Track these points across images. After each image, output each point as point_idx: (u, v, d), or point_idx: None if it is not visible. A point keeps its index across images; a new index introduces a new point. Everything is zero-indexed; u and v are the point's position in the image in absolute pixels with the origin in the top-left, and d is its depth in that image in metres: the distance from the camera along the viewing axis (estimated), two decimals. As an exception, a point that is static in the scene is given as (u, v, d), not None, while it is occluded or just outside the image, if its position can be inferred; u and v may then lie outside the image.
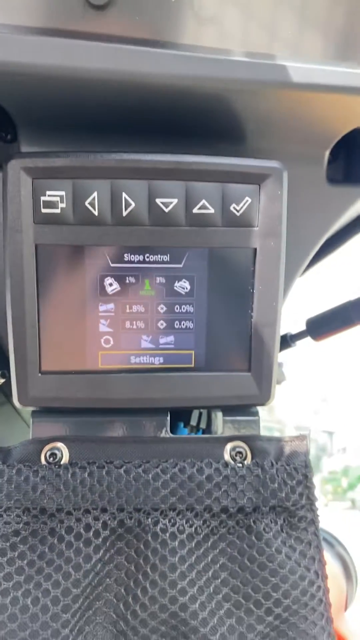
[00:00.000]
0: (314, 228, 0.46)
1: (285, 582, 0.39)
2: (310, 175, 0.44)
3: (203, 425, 0.55)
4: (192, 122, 0.41)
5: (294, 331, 0.61)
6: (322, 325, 0.57)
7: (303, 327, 0.59)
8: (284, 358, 0.64)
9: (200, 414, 0.55)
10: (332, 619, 0.40)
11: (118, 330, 0.41)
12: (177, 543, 0.40)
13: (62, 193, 0.38)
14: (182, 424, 0.55)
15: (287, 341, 0.61)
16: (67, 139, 0.41)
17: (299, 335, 0.60)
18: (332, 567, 0.61)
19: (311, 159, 0.43)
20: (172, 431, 0.45)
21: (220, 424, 0.46)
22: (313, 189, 0.44)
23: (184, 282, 0.41)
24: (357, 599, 0.63)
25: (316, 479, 0.47)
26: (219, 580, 0.40)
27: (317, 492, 0.43)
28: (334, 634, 0.40)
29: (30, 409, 0.43)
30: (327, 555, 0.60)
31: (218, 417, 0.46)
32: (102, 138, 0.41)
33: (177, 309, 0.41)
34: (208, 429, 0.55)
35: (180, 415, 0.55)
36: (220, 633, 0.39)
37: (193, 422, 0.54)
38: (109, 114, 0.40)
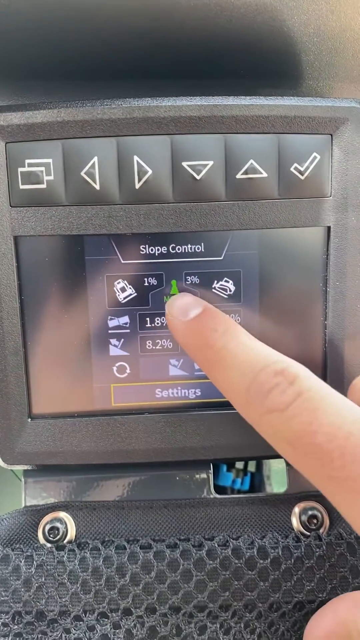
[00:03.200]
0: None
1: None
2: None
3: (252, 467, 0.42)
4: (223, 55, 0.29)
5: None
6: None
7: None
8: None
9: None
10: None
11: (136, 353, 0.29)
12: (234, 661, 0.27)
13: (49, 160, 0.27)
14: (224, 467, 0.42)
15: None
16: (53, 88, 0.30)
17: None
18: None
19: None
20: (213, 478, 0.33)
21: (284, 475, 0.33)
22: None
23: (227, 281, 0.29)
24: None
25: None
26: None
27: None
28: None
29: (21, 467, 0.31)
30: None
31: (280, 465, 0.33)
32: (100, 86, 0.30)
33: None
34: (259, 473, 0.42)
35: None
36: None
37: (239, 464, 0.42)
38: (109, 50, 0.28)
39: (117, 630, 0.28)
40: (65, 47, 0.27)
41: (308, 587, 0.28)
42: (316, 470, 0.21)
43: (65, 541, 0.29)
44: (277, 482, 0.41)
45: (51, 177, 0.27)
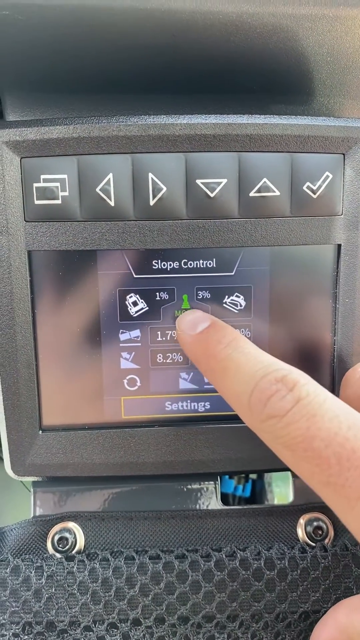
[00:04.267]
0: None
1: None
2: None
3: (254, 474, 0.43)
4: (237, 71, 0.29)
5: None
6: None
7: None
8: None
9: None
10: None
11: (147, 366, 0.30)
12: (242, 671, 0.28)
13: (64, 176, 0.27)
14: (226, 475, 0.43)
15: None
16: (67, 101, 0.30)
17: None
18: None
19: None
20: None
21: (285, 482, 0.34)
22: None
23: (237, 296, 0.29)
24: None
25: None
26: None
27: None
28: None
29: (31, 479, 0.31)
30: None
31: (286, 475, 0.34)
32: (113, 99, 0.30)
33: None
34: (260, 480, 0.43)
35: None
36: None
37: (241, 472, 0.43)
38: (125, 65, 0.28)
39: None
40: (80, 61, 0.27)
41: (313, 598, 0.28)
42: (314, 475, 0.21)
43: (74, 551, 0.30)
44: (278, 489, 0.42)
45: (66, 193, 0.27)
